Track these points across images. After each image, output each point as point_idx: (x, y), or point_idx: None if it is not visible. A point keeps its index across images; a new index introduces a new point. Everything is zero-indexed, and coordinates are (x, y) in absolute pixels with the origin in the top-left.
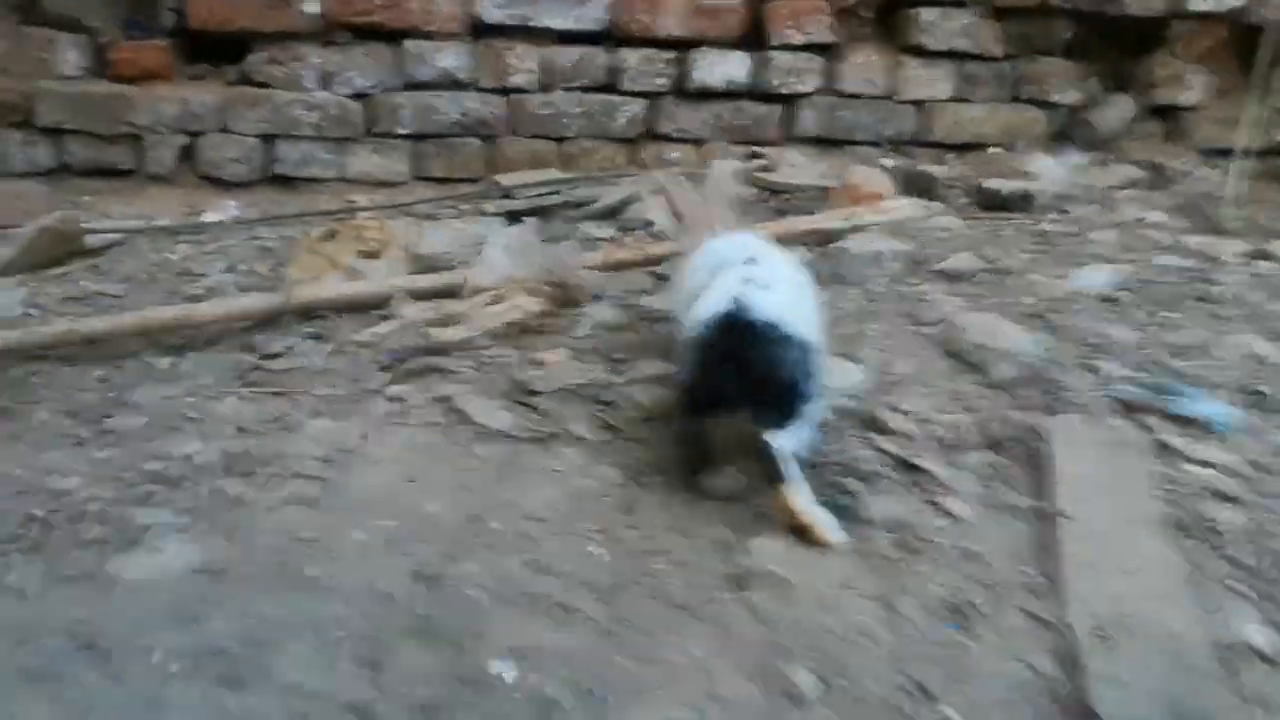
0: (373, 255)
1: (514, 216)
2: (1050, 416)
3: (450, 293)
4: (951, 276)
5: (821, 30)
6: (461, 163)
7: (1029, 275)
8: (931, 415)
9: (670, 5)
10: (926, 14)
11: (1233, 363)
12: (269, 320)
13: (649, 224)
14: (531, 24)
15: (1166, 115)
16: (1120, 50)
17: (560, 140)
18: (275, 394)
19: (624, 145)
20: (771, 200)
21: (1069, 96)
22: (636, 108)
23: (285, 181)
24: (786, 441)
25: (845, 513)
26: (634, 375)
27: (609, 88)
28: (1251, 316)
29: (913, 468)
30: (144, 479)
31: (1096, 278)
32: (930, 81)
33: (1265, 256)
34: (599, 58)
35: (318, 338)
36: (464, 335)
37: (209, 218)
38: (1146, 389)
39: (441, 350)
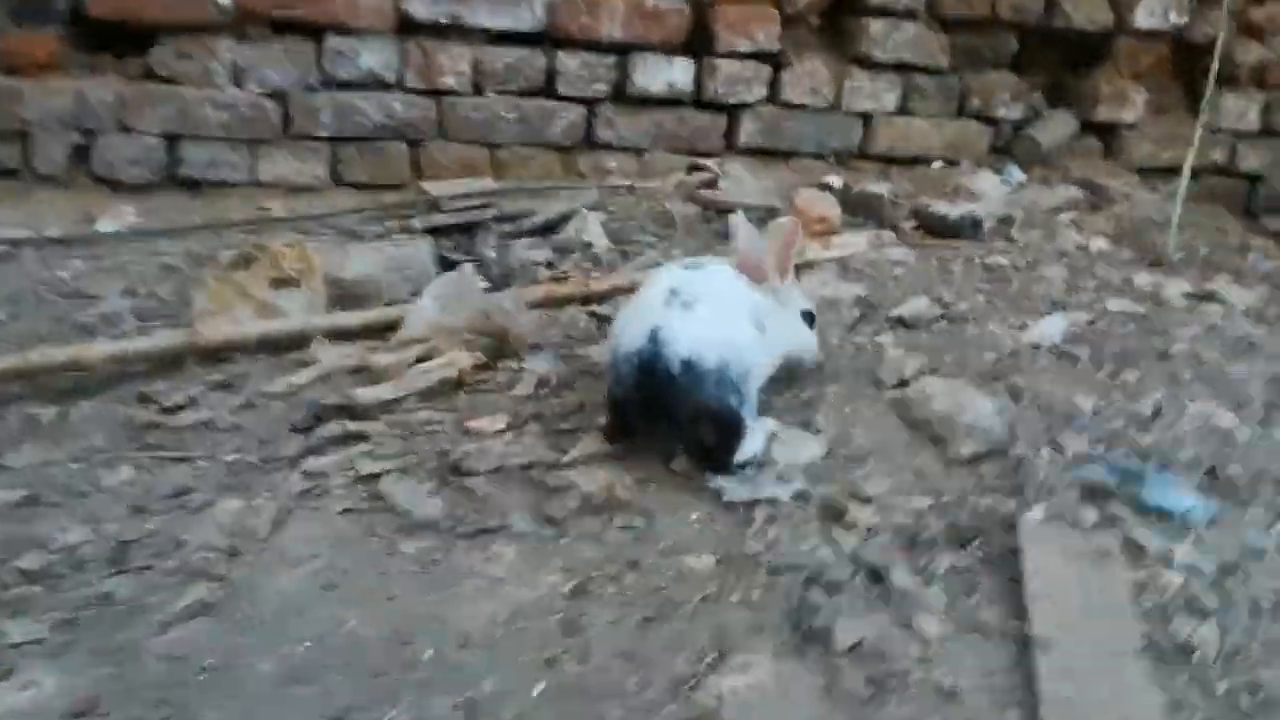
0: (290, 283)
1: (442, 232)
2: (1017, 501)
3: (378, 330)
4: (908, 324)
5: (768, 38)
6: (385, 168)
7: (986, 324)
8: (895, 501)
9: (612, 7)
10: (875, 24)
11: (1197, 437)
12: (171, 363)
13: (587, 246)
14: (464, 23)
15: (1105, 132)
16: (1063, 65)
17: (492, 146)
18: (176, 459)
19: (560, 153)
20: (715, 220)
21: (1013, 111)
22: (574, 114)
23: (191, 185)
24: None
25: (815, 638)
26: (579, 453)
27: (545, 92)
28: (1209, 379)
29: (879, 575)
30: (18, 579)
31: (1053, 328)
32: (876, 94)
33: (1210, 298)
34: (536, 60)
35: (226, 387)
36: (390, 395)
37: (104, 225)
38: (1114, 471)
39: (365, 413)
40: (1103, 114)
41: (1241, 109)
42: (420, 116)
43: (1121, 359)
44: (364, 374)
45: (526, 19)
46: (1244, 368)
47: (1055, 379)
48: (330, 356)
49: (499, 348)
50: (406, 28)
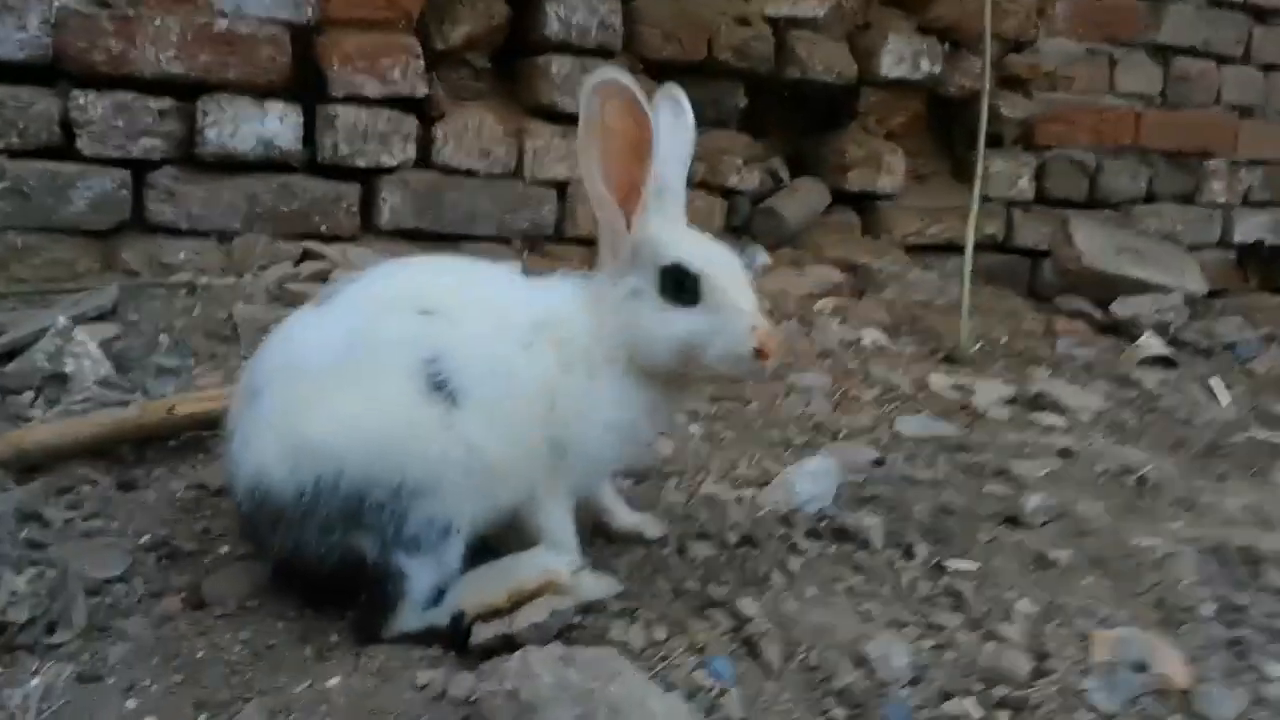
0: None
1: None
2: None
3: None
4: None
5: (409, 78)
6: None
7: (698, 479)
8: None
9: (161, 27)
10: (557, 64)
11: None
12: None
13: (62, 379)
14: None
15: (862, 204)
16: (806, 127)
17: None
18: None
19: (93, 242)
20: None
21: (748, 180)
22: (109, 182)
23: None
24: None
25: None
26: None
27: (60, 151)
28: (1113, 567)
29: None
30: None
31: (817, 482)
32: (572, 155)
33: (1041, 404)
34: (38, 103)
35: None
36: None
37: None
38: None
39: None
40: (856, 182)
41: (1012, 174)
42: None
43: (937, 534)
44: None
45: (15, 42)
46: (1154, 537)
47: (829, 595)
48: None
49: None
50: None
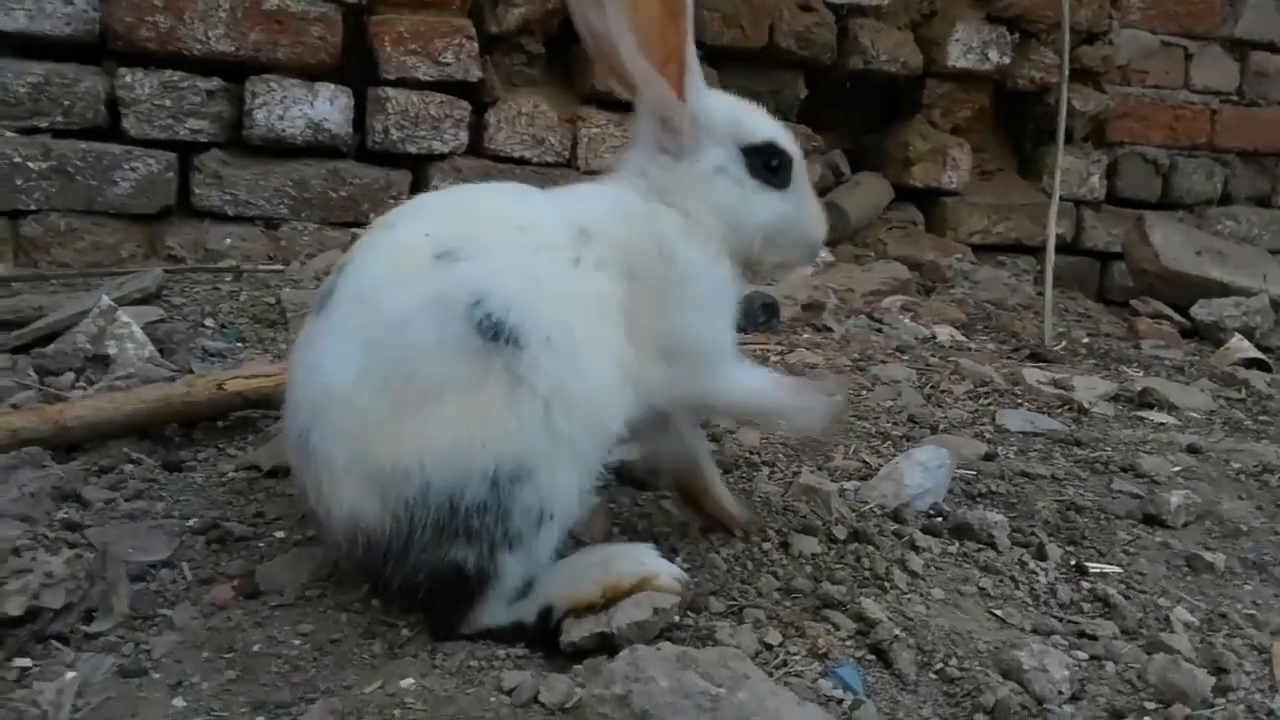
0: None
1: None
2: None
3: None
4: (637, 479)
5: (462, 61)
6: None
7: (789, 468)
8: None
9: (210, 6)
10: None
11: None
12: None
13: (104, 360)
14: None
15: (926, 200)
16: (868, 120)
17: (13, 215)
18: None
19: (137, 226)
20: None
21: (808, 174)
22: (154, 165)
23: None
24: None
25: None
26: None
27: (105, 131)
28: (1261, 569)
29: None
30: None
31: (924, 475)
32: (627, 144)
33: (1147, 401)
34: (84, 80)
35: None
36: None
37: None
38: None
39: None
40: (920, 177)
41: (1082, 171)
42: None
43: (1069, 534)
44: None
45: (62, 17)
46: None
47: (959, 598)
48: None
49: None
50: None
